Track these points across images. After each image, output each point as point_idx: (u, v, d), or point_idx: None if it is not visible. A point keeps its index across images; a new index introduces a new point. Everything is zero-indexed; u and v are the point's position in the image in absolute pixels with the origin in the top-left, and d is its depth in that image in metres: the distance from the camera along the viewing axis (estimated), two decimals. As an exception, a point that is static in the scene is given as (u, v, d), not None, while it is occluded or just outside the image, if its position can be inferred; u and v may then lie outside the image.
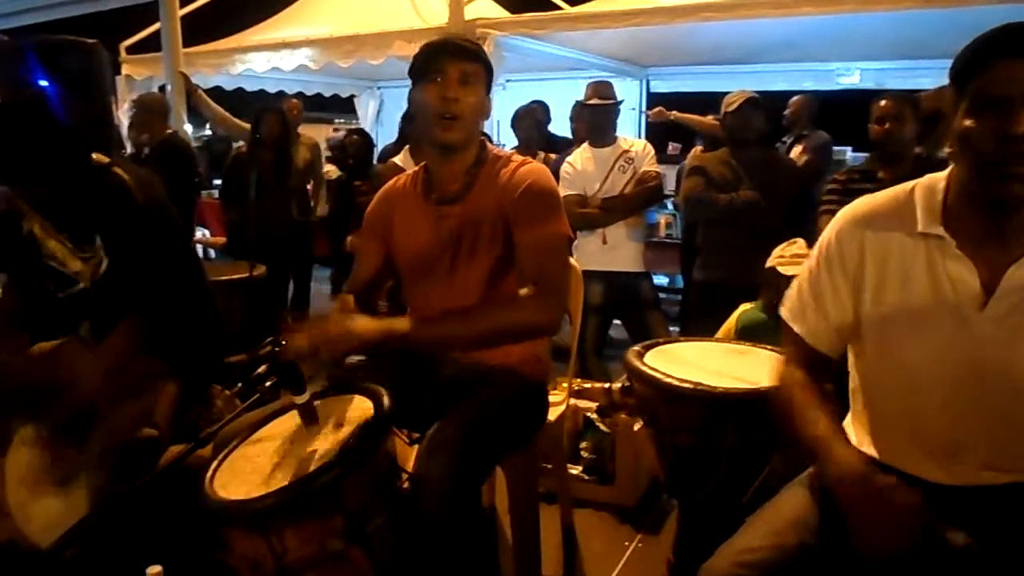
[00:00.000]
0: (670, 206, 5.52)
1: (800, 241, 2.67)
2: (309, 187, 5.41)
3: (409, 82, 1.88)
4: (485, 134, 2.01)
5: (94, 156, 1.99)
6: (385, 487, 1.47)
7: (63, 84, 3.69)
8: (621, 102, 3.86)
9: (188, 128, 5.94)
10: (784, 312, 1.45)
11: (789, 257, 2.60)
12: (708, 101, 4.97)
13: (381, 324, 1.67)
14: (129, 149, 4.96)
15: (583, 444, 2.91)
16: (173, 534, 1.71)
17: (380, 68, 5.85)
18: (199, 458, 1.47)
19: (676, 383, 1.95)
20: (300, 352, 1.51)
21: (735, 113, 3.42)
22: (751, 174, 3.37)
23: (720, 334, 2.72)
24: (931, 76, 5.50)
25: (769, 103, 3.59)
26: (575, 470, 2.84)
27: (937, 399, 1.29)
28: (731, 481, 1.95)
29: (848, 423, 1.46)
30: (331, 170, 6.39)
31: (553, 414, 2.20)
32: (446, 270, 1.87)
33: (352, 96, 8.61)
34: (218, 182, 6.06)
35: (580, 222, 3.56)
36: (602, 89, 3.73)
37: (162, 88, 6.03)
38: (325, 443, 1.46)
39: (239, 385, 1.50)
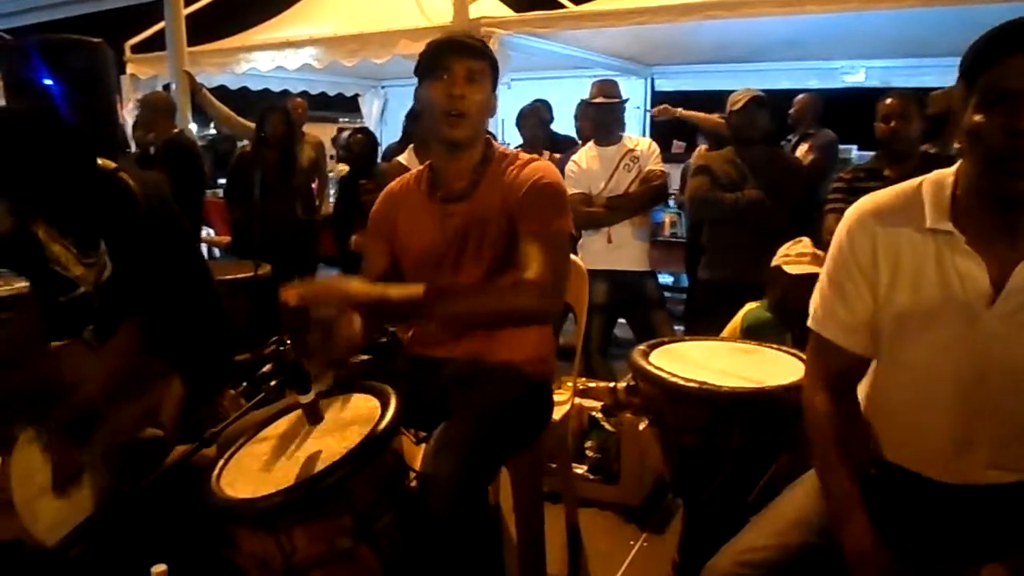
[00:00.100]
0: (673, 205, 5.51)
1: (806, 240, 2.66)
2: (314, 186, 5.40)
3: (413, 81, 1.88)
4: (490, 133, 2.01)
5: (100, 162, 1.98)
6: (393, 486, 1.47)
7: (68, 83, 3.69)
8: (626, 100, 3.86)
9: (193, 127, 5.94)
10: (812, 323, 1.42)
11: (795, 256, 2.60)
12: (713, 99, 4.96)
13: (375, 288, 1.65)
14: (134, 148, 4.97)
15: (588, 443, 2.91)
16: (178, 533, 1.71)
17: (384, 67, 5.85)
18: (204, 457, 1.47)
19: (681, 382, 1.94)
20: (288, 305, 1.49)
21: (740, 112, 3.42)
22: (757, 173, 3.37)
23: (725, 333, 2.71)
24: (936, 74, 5.49)
25: (774, 102, 3.58)
26: (580, 469, 2.84)
27: (944, 396, 1.29)
28: (736, 481, 1.95)
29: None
30: (343, 168, 6.40)
31: (558, 413, 2.19)
32: (451, 268, 1.87)
33: (356, 95, 8.61)
34: (222, 181, 6.07)
35: (585, 221, 3.56)
36: (607, 88, 3.73)
37: (166, 87, 6.04)
38: (332, 442, 1.46)
39: (244, 384, 1.50)
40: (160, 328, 2.03)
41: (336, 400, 1.62)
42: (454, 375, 1.86)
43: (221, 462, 1.49)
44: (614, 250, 3.62)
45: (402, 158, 4.12)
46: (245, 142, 5.31)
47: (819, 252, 2.54)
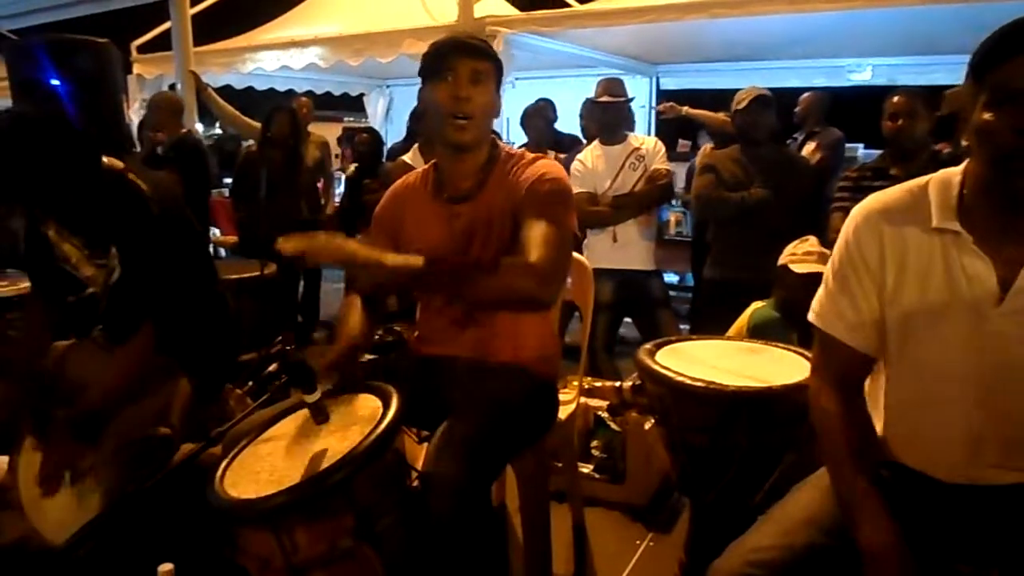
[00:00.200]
0: (677, 204, 5.50)
1: (812, 239, 2.65)
2: (319, 185, 5.41)
3: (418, 80, 1.87)
4: (495, 132, 2.00)
5: (105, 160, 1.98)
6: (395, 485, 1.47)
7: (74, 83, 3.70)
8: (632, 99, 3.85)
9: (199, 127, 5.96)
10: (816, 319, 1.40)
11: (801, 255, 2.59)
12: (719, 98, 4.95)
13: (373, 252, 1.65)
14: (140, 148, 4.99)
15: (594, 443, 2.90)
16: (185, 532, 1.72)
17: (389, 66, 5.85)
18: (211, 456, 1.48)
19: (688, 382, 1.94)
20: (287, 253, 1.53)
21: (744, 111, 3.41)
22: (763, 172, 3.36)
23: (732, 332, 2.70)
24: (943, 72, 5.47)
25: (780, 100, 3.57)
26: (586, 469, 2.83)
27: (952, 396, 1.28)
28: (743, 480, 1.94)
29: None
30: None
31: (564, 412, 2.19)
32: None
33: (361, 94, 8.61)
34: (228, 181, 6.08)
35: (590, 220, 3.56)
36: (613, 86, 3.72)
37: (172, 87, 6.06)
38: (335, 442, 1.46)
39: (250, 384, 1.50)
40: (168, 330, 2.03)
41: (339, 400, 1.62)
42: (458, 374, 1.86)
43: (225, 462, 1.49)
44: (619, 249, 3.61)
45: (407, 157, 4.12)
46: (250, 142, 5.32)
47: (826, 251, 2.53)
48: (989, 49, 1.19)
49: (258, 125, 4.97)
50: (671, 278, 5.78)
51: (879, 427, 1.40)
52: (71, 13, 6.36)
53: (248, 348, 2.40)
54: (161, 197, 2.03)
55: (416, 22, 5.58)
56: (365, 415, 1.53)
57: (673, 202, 5.40)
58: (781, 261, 2.65)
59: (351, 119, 11.51)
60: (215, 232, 7.25)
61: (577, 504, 2.50)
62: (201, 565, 1.63)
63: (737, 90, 3.53)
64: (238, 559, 1.43)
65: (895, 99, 2.99)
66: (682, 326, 3.97)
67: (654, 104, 6.91)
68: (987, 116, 1.17)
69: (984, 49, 1.20)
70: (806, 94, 4.88)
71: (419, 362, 1.95)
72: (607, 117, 3.73)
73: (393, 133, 7.46)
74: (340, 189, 6.34)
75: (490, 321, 1.87)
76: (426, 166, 2.03)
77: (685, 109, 4.74)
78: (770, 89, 3.47)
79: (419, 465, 1.55)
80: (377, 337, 2.23)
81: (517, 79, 5.59)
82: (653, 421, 2.56)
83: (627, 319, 3.83)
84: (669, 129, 6.22)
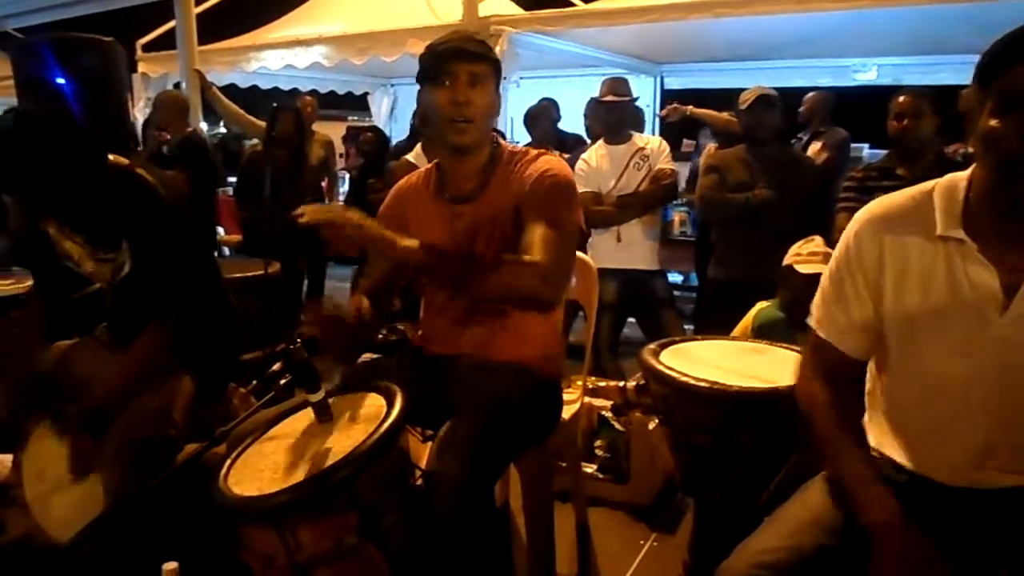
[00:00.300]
0: (680, 202, 5.48)
1: (817, 239, 2.64)
2: (323, 184, 5.41)
3: (422, 79, 1.87)
4: (499, 131, 2.00)
5: (111, 158, 1.99)
6: (399, 484, 1.47)
7: (80, 82, 3.72)
8: (636, 99, 3.84)
9: (203, 126, 5.96)
10: (811, 320, 1.43)
11: (806, 255, 2.58)
12: (723, 98, 4.94)
13: (385, 232, 1.68)
14: (146, 147, 4.99)
15: (598, 442, 2.90)
16: (189, 531, 1.72)
17: (394, 65, 5.85)
18: (214, 455, 1.48)
19: (692, 382, 1.93)
20: (305, 223, 1.61)
21: (748, 111, 3.41)
22: (768, 171, 3.35)
23: (737, 332, 2.70)
24: (949, 71, 5.46)
25: (785, 100, 3.56)
26: (590, 469, 2.83)
27: (956, 402, 1.28)
28: (747, 481, 1.93)
29: (865, 424, 1.44)
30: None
31: (567, 412, 2.19)
32: (462, 269, 1.86)
33: (366, 93, 8.63)
34: (232, 179, 6.09)
35: (595, 220, 3.55)
36: (617, 86, 3.71)
37: (177, 85, 6.07)
38: (339, 440, 1.46)
39: (254, 382, 1.50)
40: (178, 327, 2.04)
41: (344, 398, 1.62)
42: (462, 374, 1.86)
43: (229, 461, 1.49)
44: (624, 249, 3.60)
45: (411, 156, 4.12)
46: (255, 141, 5.32)
47: (831, 251, 2.51)
48: (995, 55, 1.18)
49: (262, 124, 4.98)
50: (675, 278, 5.77)
51: (880, 430, 1.40)
52: (76, 11, 6.37)
53: (252, 347, 2.40)
54: (169, 190, 2.04)
55: (420, 21, 5.58)
56: (369, 414, 1.53)
57: (675, 201, 5.39)
58: (786, 261, 2.64)
59: (355, 118, 11.53)
60: (219, 231, 7.26)
61: (581, 504, 2.50)
62: (205, 563, 1.63)
63: (741, 90, 3.53)
64: (242, 557, 1.44)
65: (901, 99, 2.98)
66: (686, 326, 3.96)
67: (658, 103, 6.92)
68: (993, 122, 1.16)
69: (990, 55, 1.19)
70: (811, 94, 4.86)
71: (423, 361, 1.95)
72: (611, 117, 3.73)
73: (397, 132, 7.45)
74: (344, 188, 6.36)
75: (494, 320, 1.87)
76: (428, 166, 2.02)
77: (689, 109, 4.73)
78: (775, 89, 3.46)
79: (423, 464, 1.55)
80: (381, 336, 2.23)
81: (521, 78, 5.59)
82: (657, 421, 2.56)
83: (631, 319, 3.83)
84: (672, 129, 6.21)
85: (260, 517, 1.37)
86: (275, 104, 5.06)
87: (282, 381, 1.46)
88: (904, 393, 1.36)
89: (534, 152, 1.89)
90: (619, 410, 2.86)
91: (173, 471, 1.38)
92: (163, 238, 1.99)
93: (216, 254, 4.24)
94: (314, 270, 5.17)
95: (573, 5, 6.07)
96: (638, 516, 2.72)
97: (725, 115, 4.47)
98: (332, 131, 7.03)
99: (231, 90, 6.55)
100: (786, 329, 2.50)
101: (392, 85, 8.37)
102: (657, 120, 6.76)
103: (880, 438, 1.40)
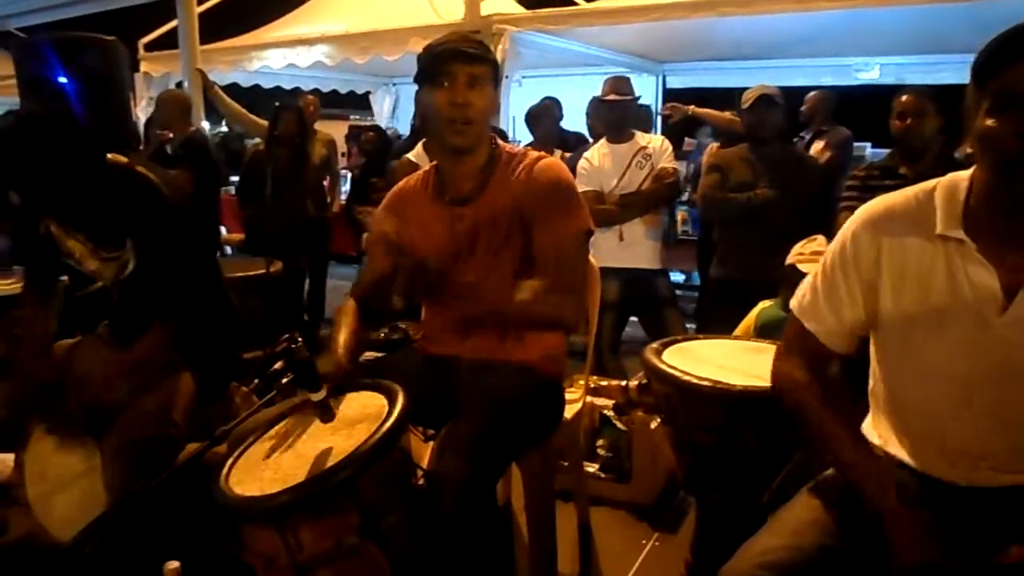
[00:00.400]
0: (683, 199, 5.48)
1: (820, 238, 2.64)
2: (325, 183, 5.42)
3: (424, 79, 1.87)
4: (502, 131, 2.00)
5: (109, 156, 1.99)
6: (400, 484, 1.46)
7: (82, 81, 3.71)
8: (639, 98, 3.83)
9: (206, 125, 5.97)
10: (795, 306, 1.43)
11: (809, 254, 2.58)
12: (725, 97, 4.94)
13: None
14: (148, 146, 5.00)
15: (600, 442, 2.90)
16: (190, 530, 1.72)
17: (396, 64, 5.86)
18: (215, 455, 1.48)
19: (695, 381, 1.93)
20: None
21: (750, 110, 3.40)
22: (771, 170, 3.35)
23: (739, 331, 2.70)
24: (952, 71, 5.45)
25: (787, 99, 3.55)
26: (591, 468, 2.83)
27: (957, 401, 1.27)
28: (750, 480, 1.93)
29: (868, 424, 1.44)
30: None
31: (569, 412, 2.18)
32: (463, 269, 1.86)
33: (368, 92, 8.63)
34: (234, 179, 6.10)
35: (597, 218, 3.54)
36: (619, 85, 3.71)
37: (179, 85, 6.07)
38: (341, 440, 1.46)
39: (256, 382, 1.50)
40: (183, 325, 2.04)
41: (345, 398, 1.62)
42: (464, 373, 1.86)
43: (230, 461, 1.49)
44: (626, 248, 3.60)
45: (412, 155, 4.12)
46: (257, 140, 5.33)
47: (830, 247, 2.52)
48: (990, 54, 1.18)
49: (265, 123, 4.98)
50: (677, 277, 5.77)
51: (884, 428, 1.40)
52: (78, 11, 6.38)
53: (254, 346, 2.40)
54: (171, 190, 2.04)
55: (422, 20, 5.58)
56: (371, 413, 1.52)
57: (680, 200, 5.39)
58: (789, 260, 2.63)
59: (357, 117, 11.55)
60: (221, 230, 7.26)
61: (583, 503, 2.50)
62: (207, 563, 1.63)
63: (744, 89, 3.52)
64: (243, 557, 1.43)
65: (903, 98, 2.97)
66: (688, 325, 3.95)
67: (660, 102, 6.91)
68: (989, 122, 1.16)
69: (985, 54, 1.18)
70: (812, 93, 4.86)
71: (425, 360, 1.94)
72: (613, 116, 3.72)
73: (400, 131, 7.47)
74: (346, 187, 6.36)
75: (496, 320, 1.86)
76: (426, 168, 2.02)
77: (691, 108, 4.73)
78: (777, 88, 3.46)
79: (425, 464, 1.55)
80: (383, 335, 2.23)
81: (523, 77, 5.59)
82: (659, 420, 2.55)
83: (633, 318, 3.82)
84: (674, 128, 6.20)
85: (261, 517, 1.36)
86: (277, 103, 5.06)
87: (283, 380, 1.46)
88: (905, 392, 1.35)
89: (533, 154, 1.89)
90: (621, 409, 2.86)
91: (174, 470, 1.37)
92: (166, 234, 2.00)
93: (218, 253, 4.24)
94: (316, 269, 5.18)
95: (575, 4, 6.07)
96: (640, 515, 2.71)
97: (727, 114, 4.47)
98: (334, 130, 7.03)
99: (233, 89, 6.56)
100: (788, 328, 2.50)
101: (394, 84, 8.38)
102: (659, 119, 6.76)
103: (885, 436, 1.39)
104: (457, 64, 1.76)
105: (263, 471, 1.45)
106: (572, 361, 2.16)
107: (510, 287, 1.83)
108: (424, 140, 4.20)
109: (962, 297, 1.24)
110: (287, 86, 7.41)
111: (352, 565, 1.38)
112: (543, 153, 1.92)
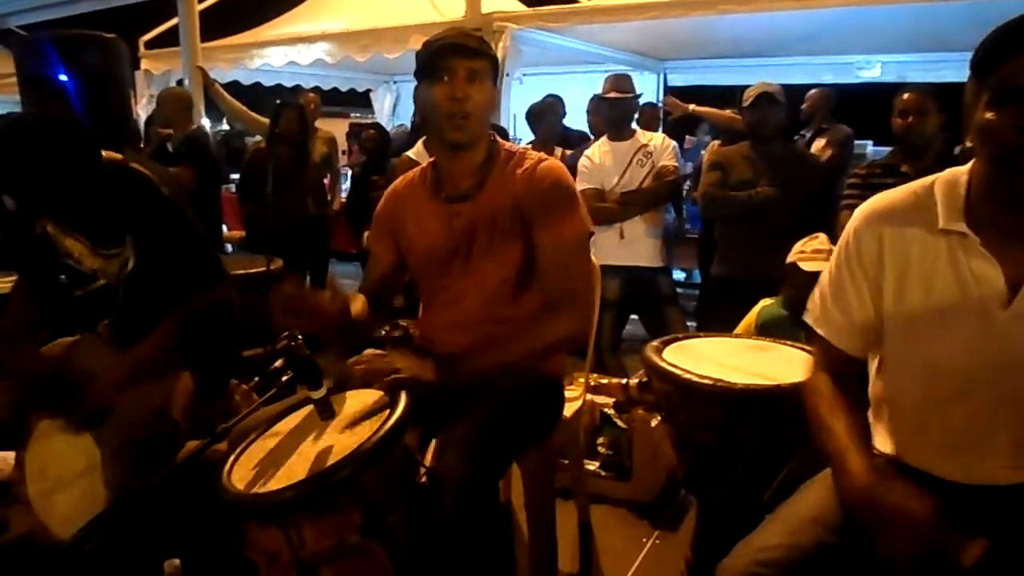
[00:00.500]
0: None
1: (822, 236, 2.64)
2: (326, 181, 5.42)
3: (425, 77, 1.86)
4: (503, 129, 2.00)
5: (104, 154, 1.98)
6: (403, 481, 1.46)
7: (82, 79, 3.72)
8: (640, 95, 3.83)
9: (206, 123, 5.97)
10: (808, 317, 1.43)
11: (810, 252, 2.58)
12: (726, 94, 4.93)
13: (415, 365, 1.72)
14: (149, 144, 5.00)
15: (600, 440, 2.90)
16: (191, 528, 1.72)
17: (396, 62, 5.85)
18: (216, 452, 1.48)
19: (695, 379, 1.93)
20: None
21: (751, 108, 3.40)
22: (772, 168, 3.35)
23: (740, 330, 2.69)
24: (953, 69, 5.45)
25: (788, 97, 3.55)
26: (592, 466, 2.83)
27: (960, 398, 1.27)
28: (750, 478, 1.93)
29: (870, 424, 1.44)
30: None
31: (569, 410, 2.18)
32: (461, 268, 1.86)
33: (368, 90, 8.62)
34: (235, 176, 6.10)
35: (597, 216, 3.54)
36: (621, 82, 3.70)
37: (180, 82, 6.07)
38: (342, 438, 1.46)
39: (256, 379, 1.50)
40: (186, 324, 2.03)
41: (347, 395, 1.62)
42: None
43: (232, 457, 1.49)
44: (626, 246, 3.60)
45: (412, 153, 4.11)
46: (258, 138, 5.33)
47: (835, 249, 2.52)
48: (990, 47, 1.17)
49: (265, 121, 4.98)
50: (678, 275, 5.76)
51: (885, 429, 1.39)
52: (79, 8, 6.39)
53: (254, 344, 2.40)
54: (168, 186, 2.04)
55: (423, 18, 5.58)
56: (373, 411, 1.52)
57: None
58: (790, 259, 2.63)
59: (358, 115, 11.55)
60: (222, 227, 7.26)
61: (583, 501, 2.50)
62: (207, 560, 1.63)
63: (745, 86, 3.52)
64: (246, 554, 1.43)
65: (905, 96, 2.97)
66: (689, 323, 3.95)
67: (661, 100, 6.90)
68: (989, 115, 1.16)
69: (985, 47, 1.18)
70: (813, 91, 4.85)
71: (424, 359, 1.94)
72: (614, 113, 3.71)
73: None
74: (347, 185, 6.36)
75: (495, 320, 1.86)
76: (424, 165, 2.02)
77: (691, 107, 4.72)
78: (778, 85, 3.45)
79: (427, 461, 1.55)
80: (384, 332, 2.23)
81: (524, 75, 5.59)
82: (660, 418, 2.55)
83: (633, 316, 3.82)
84: (676, 126, 6.20)
85: (264, 514, 1.36)
86: (278, 101, 5.06)
87: (284, 378, 1.45)
88: (906, 391, 1.35)
89: (534, 156, 1.88)
90: (621, 407, 2.86)
91: (175, 468, 1.38)
92: (165, 229, 2.00)
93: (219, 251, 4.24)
94: (316, 267, 5.18)
95: (576, 1, 6.06)
96: (640, 513, 2.71)
97: (728, 112, 4.46)
98: (335, 128, 7.03)
99: (234, 87, 6.56)
100: (789, 327, 2.50)
101: (395, 82, 8.37)
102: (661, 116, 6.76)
103: (884, 437, 1.39)
104: (456, 58, 1.75)
105: (266, 468, 1.45)
106: (572, 359, 2.16)
107: (508, 290, 1.83)
108: (424, 138, 4.21)
109: (966, 291, 1.24)
110: (288, 84, 7.41)
111: (355, 563, 1.38)
112: (544, 155, 1.92)
